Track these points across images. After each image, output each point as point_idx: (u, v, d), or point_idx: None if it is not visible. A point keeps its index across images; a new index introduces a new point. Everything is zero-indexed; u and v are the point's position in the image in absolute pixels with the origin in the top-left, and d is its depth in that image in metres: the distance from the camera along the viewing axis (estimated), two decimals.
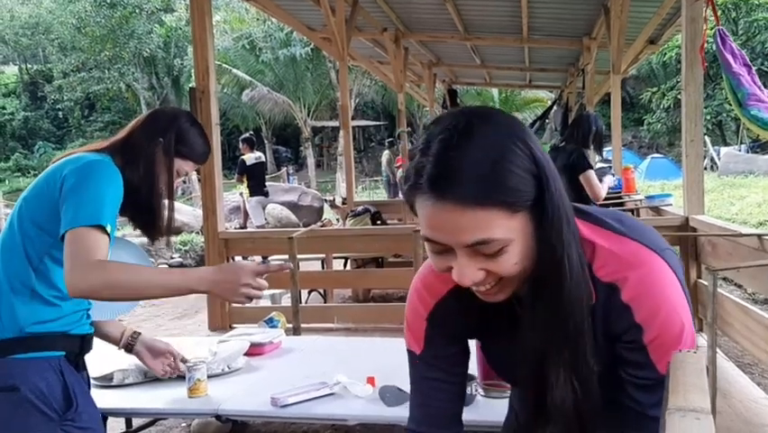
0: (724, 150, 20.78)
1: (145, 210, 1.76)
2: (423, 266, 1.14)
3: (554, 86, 15.44)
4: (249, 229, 9.93)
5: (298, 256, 3.86)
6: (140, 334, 2.02)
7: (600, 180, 4.23)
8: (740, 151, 21.03)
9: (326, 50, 9.64)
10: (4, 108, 34.36)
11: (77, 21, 27.35)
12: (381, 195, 19.38)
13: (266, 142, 28.72)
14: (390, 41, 9.37)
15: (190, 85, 4.92)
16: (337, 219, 8.60)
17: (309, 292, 6.42)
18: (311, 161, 27.65)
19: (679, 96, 24.13)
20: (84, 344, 1.78)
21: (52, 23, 29.33)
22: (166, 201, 1.79)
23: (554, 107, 15.06)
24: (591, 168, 4.16)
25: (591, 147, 4.13)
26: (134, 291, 1.54)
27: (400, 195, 12.49)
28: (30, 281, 1.66)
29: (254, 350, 2.65)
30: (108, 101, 32.18)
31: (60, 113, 32.89)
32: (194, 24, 4.25)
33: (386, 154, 14.48)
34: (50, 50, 31.40)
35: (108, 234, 1.56)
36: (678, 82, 24.36)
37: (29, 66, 36.81)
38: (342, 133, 24.89)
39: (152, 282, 1.54)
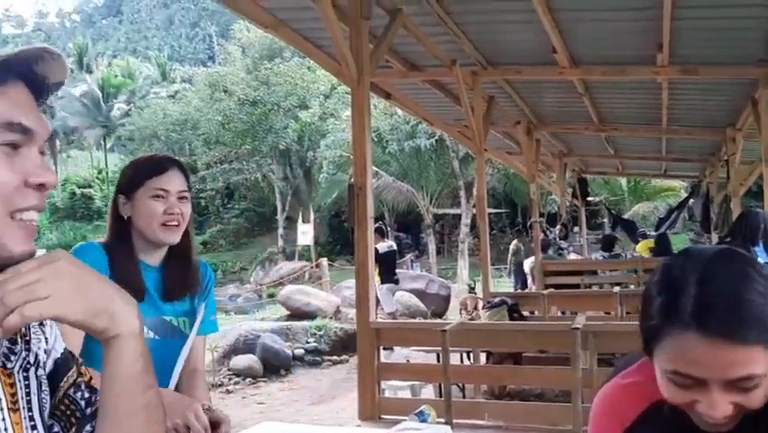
0: None
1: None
2: (602, 392, 1.15)
3: (691, 175, 14.87)
4: (380, 318, 10.09)
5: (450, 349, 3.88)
6: None
7: None
8: None
9: (463, 142, 9.94)
10: None
11: (222, 118, 29.89)
12: (505, 284, 19.03)
13: (388, 229, 29.39)
14: (523, 134, 9.53)
15: (350, 181, 5.23)
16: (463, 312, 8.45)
17: (440, 386, 6.33)
18: (432, 248, 27.85)
19: None
20: None
21: (200, 119, 32.18)
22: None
23: (692, 198, 14.45)
24: None
25: (760, 244, 3.94)
26: None
27: (529, 283, 12.26)
28: None
29: None
30: (246, 190, 34.48)
31: (202, 201, 35.53)
32: (354, 126, 4.56)
33: (513, 244, 14.25)
34: (195, 144, 34.28)
35: None
36: None
37: (176, 158, 40.29)
38: (463, 220, 24.84)
39: None
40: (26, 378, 0.78)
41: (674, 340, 0.93)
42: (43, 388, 0.80)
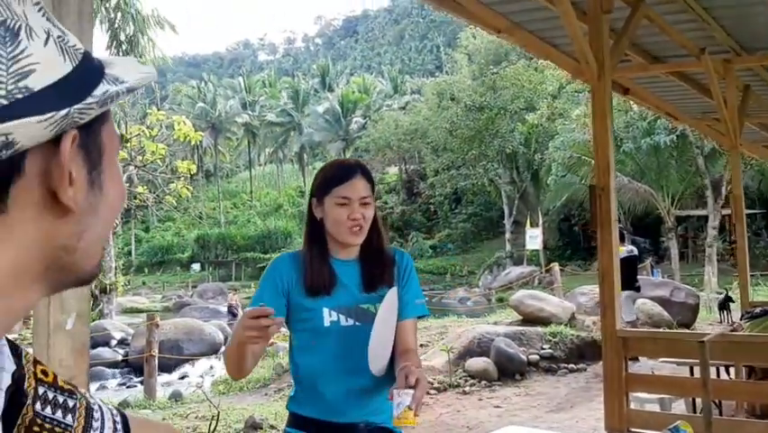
0: None
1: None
2: None
3: None
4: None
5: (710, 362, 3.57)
6: None
7: None
8: None
9: (713, 137, 9.10)
10: (386, 203, 40.13)
11: (449, 125, 30.68)
12: (763, 293, 16.95)
13: (624, 233, 27.75)
14: None
15: (591, 183, 5.09)
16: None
17: (693, 401, 5.82)
18: (674, 253, 25.73)
19: None
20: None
21: (428, 128, 33.39)
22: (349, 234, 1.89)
23: None
24: None
25: None
26: (229, 361, 1.83)
27: None
28: None
29: None
30: (472, 195, 35.00)
31: (431, 206, 36.82)
32: (595, 125, 4.41)
33: None
34: (424, 152, 35.65)
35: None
36: None
37: (407, 166, 42.73)
38: (710, 222, 22.57)
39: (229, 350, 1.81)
40: None
41: None
42: None
